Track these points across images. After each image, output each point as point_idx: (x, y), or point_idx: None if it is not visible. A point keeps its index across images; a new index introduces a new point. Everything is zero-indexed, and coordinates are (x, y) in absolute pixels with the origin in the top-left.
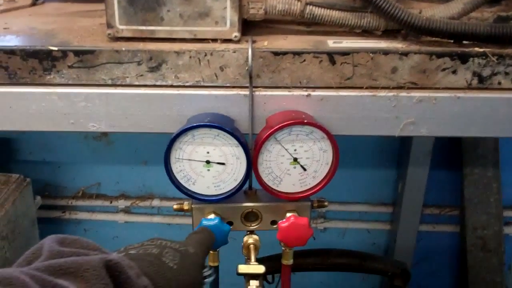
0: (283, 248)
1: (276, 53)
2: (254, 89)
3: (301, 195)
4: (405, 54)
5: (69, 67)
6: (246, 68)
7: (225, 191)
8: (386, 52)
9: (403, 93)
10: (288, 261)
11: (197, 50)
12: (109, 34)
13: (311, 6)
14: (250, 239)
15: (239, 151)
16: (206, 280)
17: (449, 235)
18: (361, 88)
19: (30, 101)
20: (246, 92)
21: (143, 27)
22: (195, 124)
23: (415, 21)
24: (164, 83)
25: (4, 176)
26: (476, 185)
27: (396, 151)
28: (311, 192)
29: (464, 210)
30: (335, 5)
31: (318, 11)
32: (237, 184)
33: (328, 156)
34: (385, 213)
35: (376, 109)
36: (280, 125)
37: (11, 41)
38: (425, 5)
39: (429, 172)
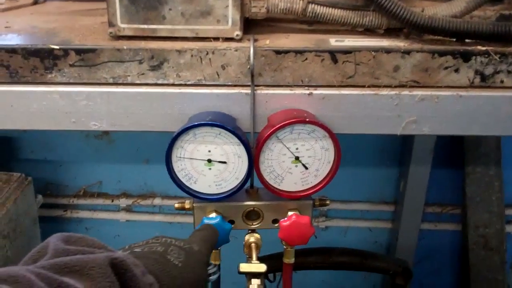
0: (284, 246)
1: (278, 52)
2: (255, 87)
3: (303, 193)
4: (407, 52)
5: (71, 65)
6: (248, 66)
7: (226, 190)
8: (388, 51)
9: (405, 92)
10: (289, 259)
11: (198, 48)
12: (110, 32)
13: (313, 5)
14: (252, 238)
15: (241, 150)
16: (210, 277)
17: (451, 234)
18: (363, 86)
19: (32, 100)
20: (247, 90)
21: (145, 26)
22: (196, 123)
23: (417, 19)
24: (165, 82)
25: (5, 175)
26: (478, 183)
27: (398, 149)
28: (312, 190)
29: (466, 209)
30: (337, 3)
31: (320, 9)
32: (239, 183)
33: (330, 155)
34: (387, 211)
35: (378, 108)
36: (281, 123)
37: (12, 39)
38: (427, 3)
39: (431, 171)
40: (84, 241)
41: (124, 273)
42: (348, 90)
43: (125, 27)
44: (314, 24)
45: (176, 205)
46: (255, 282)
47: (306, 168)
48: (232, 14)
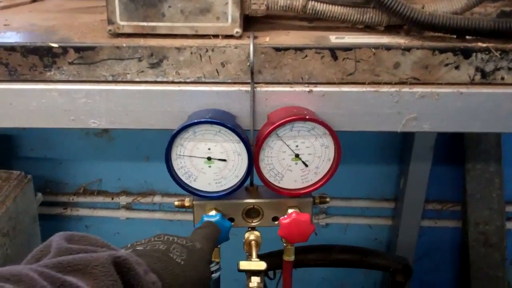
0: (284, 244)
1: (277, 49)
2: (255, 85)
3: (303, 191)
4: (408, 49)
5: (70, 63)
6: (248, 64)
7: (226, 188)
8: (388, 48)
9: (406, 89)
10: (289, 257)
11: (198, 46)
12: (109, 30)
13: (313, 2)
14: (252, 236)
15: (241, 148)
16: (213, 275)
17: (451, 231)
18: (363, 83)
19: (31, 98)
20: (247, 88)
21: (144, 23)
22: (196, 121)
23: (417, 16)
24: (165, 80)
25: (5, 173)
26: (478, 180)
27: (398, 146)
28: (312, 188)
29: (466, 206)
30: (337, 0)
31: (320, 6)
32: (239, 181)
33: (330, 152)
34: (387, 208)
35: (378, 105)
36: (281, 121)
37: (11, 37)
38: (427, 0)
39: (431, 168)
40: (87, 240)
41: (127, 271)
42: (348, 87)
43: (124, 25)
44: (314, 21)
45: (176, 203)
46: (255, 280)
47: (306, 165)
48: (232, 11)
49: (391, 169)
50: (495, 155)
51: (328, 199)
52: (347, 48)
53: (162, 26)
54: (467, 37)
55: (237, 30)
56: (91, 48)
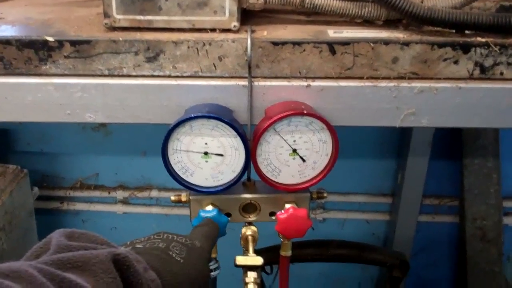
0: (281, 239)
1: (275, 43)
2: (253, 79)
3: (300, 186)
4: (406, 44)
5: (65, 57)
6: (245, 58)
7: (223, 183)
8: (387, 42)
9: (404, 84)
10: (286, 252)
11: (195, 40)
12: (106, 23)
13: None
14: (249, 231)
15: (238, 142)
16: (212, 273)
17: (448, 226)
18: (361, 78)
19: (26, 92)
20: (245, 82)
21: (141, 17)
22: (193, 115)
23: (416, 10)
24: (161, 74)
25: (1, 167)
26: (476, 175)
27: (396, 141)
28: (310, 183)
29: (463, 201)
30: None
31: (318, 0)
32: (236, 176)
33: (328, 147)
34: (384, 203)
35: (376, 100)
36: (279, 115)
37: (6, 31)
38: None
39: (429, 163)
40: (87, 237)
41: (126, 269)
42: (347, 82)
43: (121, 18)
44: (312, 15)
45: (173, 198)
46: (251, 275)
47: (304, 160)
48: (229, 5)
49: (389, 164)
50: (493, 151)
51: (325, 194)
52: (346, 43)
53: (158, 19)
54: (466, 31)
55: (234, 24)
56: (87, 42)
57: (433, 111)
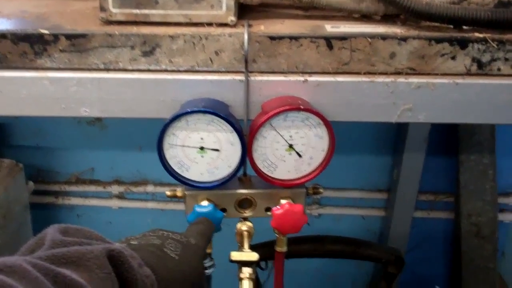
0: (277, 235)
1: (272, 38)
2: (249, 74)
3: (296, 182)
4: (404, 39)
5: (61, 51)
6: (242, 52)
7: (219, 178)
8: (384, 37)
9: (401, 79)
10: (282, 248)
11: (192, 34)
12: (102, 17)
13: None
14: (244, 226)
15: (234, 137)
16: (207, 271)
17: (443, 222)
18: (358, 73)
19: (21, 86)
20: (241, 77)
21: (137, 11)
22: (189, 110)
23: (414, 5)
24: (158, 68)
25: None
26: (472, 172)
27: (392, 137)
28: (306, 179)
29: (459, 197)
30: None
31: None
32: (232, 171)
33: (324, 143)
34: (380, 199)
35: (373, 95)
36: (275, 111)
37: (1, 24)
38: None
39: (425, 159)
40: (82, 233)
41: (121, 264)
42: (344, 77)
43: (117, 12)
44: (310, 10)
45: (168, 193)
46: (246, 270)
47: (300, 156)
48: None
49: (385, 160)
50: (489, 147)
51: (321, 190)
52: (343, 38)
53: (155, 13)
54: (464, 27)
55: (231, 18)
56: (83, 36)
57: (430, 107)
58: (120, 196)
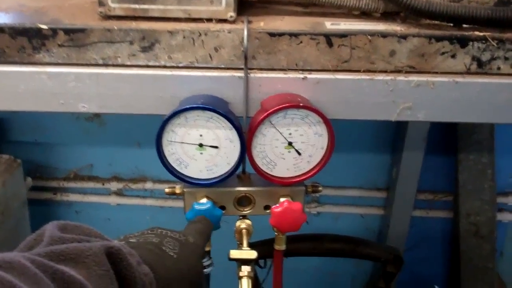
0: (276, 233)
1: (272, 34)
2: (249, 71)
3: (295, 180)
4: (404, 37)
5: (59, 46)
6: (242, 49)
7: (218, 175)
8: (384, 35)
9: (401, 77)
10: (280, 246)
11: (191, 30)
12: (100, 12)
13: None
14: (243, 224)
15: (233, 134)
16: (205, 270)
17: (442, 221)
18: (358, 71)
19: (19, 81)
20: (241, 74)
21: (136, 6)
22: (188, 106)
23: (414, 3)
24: (157, 64)
25: None
26: (471, 171)
27: (391, 136)
28: (305, 177)
29: (458, 196)
30: None
31: None
32: (230, 168)
33: (323, 141)
34: (379, 198)
35: (373, 93)
36: (275, 108)
37: None
38: None
39: (423, 158)
40: (80, 230)
41: (119, 262)
42: (343, 75)
43: (116, 7)
44: (310, 6)
45: (167, 190)
46: (245, 269)
47: (299, 153)
48: None
49: (384, 159)
50: (488, 146)
51: (320, 188)
52: (343, 35)
53: (154, 8)
54: (464, 25)
55: (231, 14)
56: (81, 31)
57: (430, 105)
58: (119, 193)
